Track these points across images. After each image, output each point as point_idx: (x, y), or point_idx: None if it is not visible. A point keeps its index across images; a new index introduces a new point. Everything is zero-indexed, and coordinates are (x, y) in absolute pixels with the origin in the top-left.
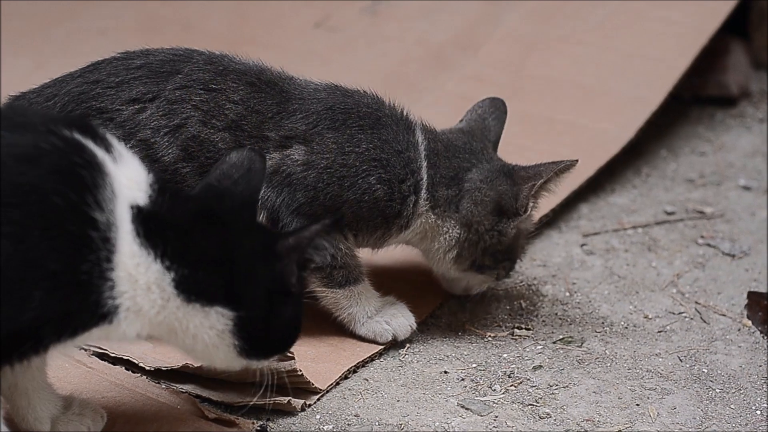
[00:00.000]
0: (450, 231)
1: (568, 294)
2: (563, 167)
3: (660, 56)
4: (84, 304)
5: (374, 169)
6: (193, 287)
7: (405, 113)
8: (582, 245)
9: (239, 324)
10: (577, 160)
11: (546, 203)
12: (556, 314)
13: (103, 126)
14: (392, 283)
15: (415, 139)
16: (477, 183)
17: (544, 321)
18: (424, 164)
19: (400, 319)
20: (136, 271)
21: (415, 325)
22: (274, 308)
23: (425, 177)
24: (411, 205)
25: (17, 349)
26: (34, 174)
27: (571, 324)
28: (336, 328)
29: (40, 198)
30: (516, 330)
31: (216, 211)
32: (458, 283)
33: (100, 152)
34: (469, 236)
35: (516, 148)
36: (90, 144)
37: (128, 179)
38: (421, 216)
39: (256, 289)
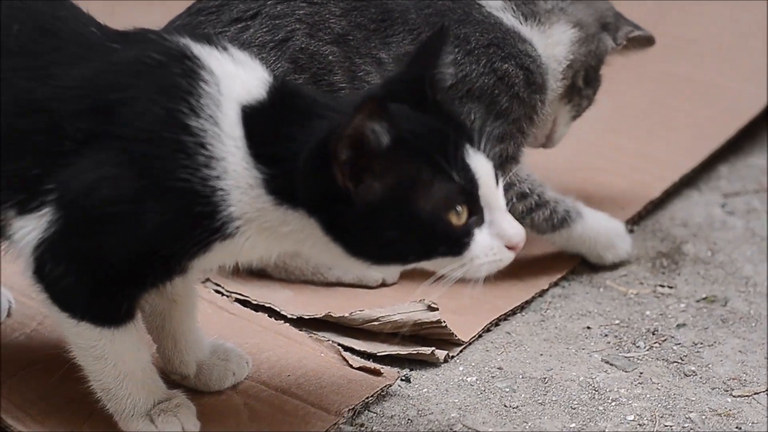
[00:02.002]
0: (563, 35)
1: (710, 254)
2: (646, 35)
3: None
4: (191, 213)
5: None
6: (281, 189)
7: None
8: (722, 206)
9: (325, 227)
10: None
11: (686, 162)
12: (699, 273)
13: None
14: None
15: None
16: None
17: (686, 280)
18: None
19: None
20: (243, 177)
21: None
22: (346, 211)
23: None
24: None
25: (143, 272)
26: (135, 86)
27: (713, 283)
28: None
29: (142, 108)
30: (658, 288)
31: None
32: (545, 123)
33: (208, 60)
34: (580, 36)
35: (657, 107)
36: (197, 52)
37: (243, 83)
38: (539, 46)
39: (318, 193)
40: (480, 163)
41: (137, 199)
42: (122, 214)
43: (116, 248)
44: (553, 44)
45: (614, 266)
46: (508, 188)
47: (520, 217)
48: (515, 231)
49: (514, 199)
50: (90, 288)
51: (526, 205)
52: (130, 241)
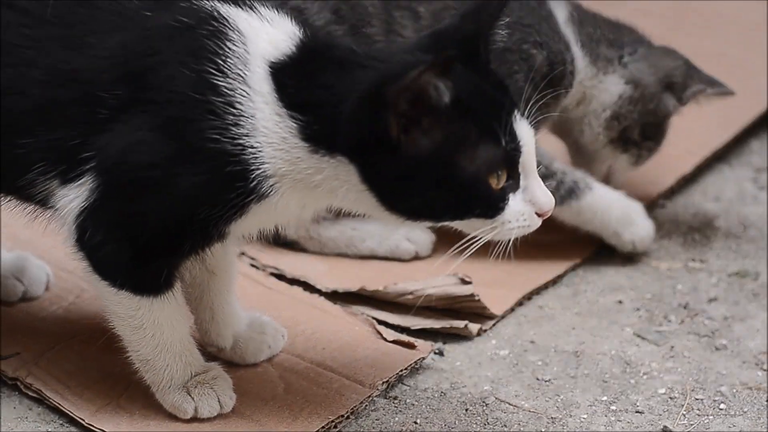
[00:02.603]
0: (612, 86)
1: (741, 228)
2: (723, 91)
3: None
4: (223, 174)
5: (529, 36)
6: (317, 135)
7: None
8: (753, 180)
9: (363, 174)
10: (733, 93)
11: (717, 137)
12: (730, 248)
13: None
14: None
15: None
16: (650, 48)
17: (717, 254)
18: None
19: None
20: (274, 131)
21: None
22: (388, 160)
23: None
24: (569, 63)
25: (181, 238)
26: (165, 50)
27: (745, 258)
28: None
29: (171, 72)
30: (690, 262)
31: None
32: (599, 165)
33: (235, 20)
34: (632, 95)
35: None
36: (225, 13)
37: (270, 39)
38: (581, 72)
39: (363, 139)
40: (524, 130)
41: (171, 162)
42: (157, 178)
43: (153, 213)
44: (601, 89)
45: (636, 252)
46: None
47: None
48: (547, 199)
49: None
50: (129, 255)
51: None
52: (166, 205)
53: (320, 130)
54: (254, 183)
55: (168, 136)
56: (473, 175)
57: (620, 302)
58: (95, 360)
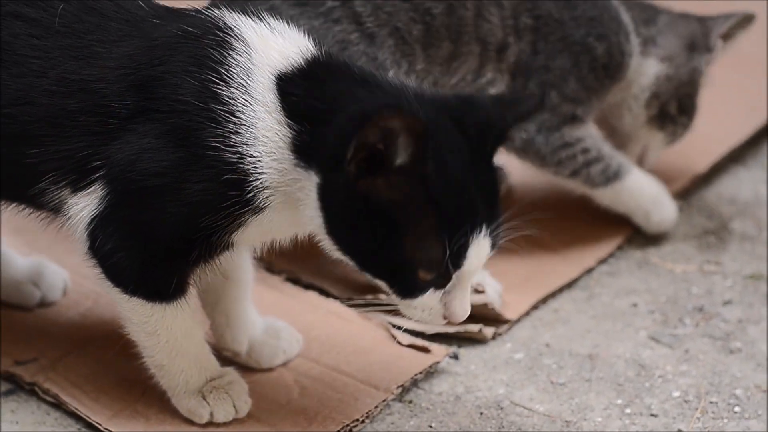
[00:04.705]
0: (649, 69)
1: (757, 230)
2: (741, 18)
3: None
4: (221, 182)
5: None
6: (301, 146)
7: None
8: None
9: (321, 190)
10: (752, 14)
11: (733, 137)
12: (745, 250)
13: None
14: (576, 218)
15: None
16: (671, 18)
17: (732, 256)
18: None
19: None
20: (273, 140)
21: None
22: (343, 185)
23: (628, 19)
24: (627, 54)
25: (188, 246)
26: (171, 60)
27: (760, 260)
28: (523, 258)
29: (177, 81)
30: (705, 265)
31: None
32: (634, 146)
33: (242, 30)
34: (667, 72)
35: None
36: (231, 23)
37: (280, 51)
38: (634, 61)
39: (334, 156)
40: (479, 252)
41: (175, 171)
42: (162, 187)
43: (160, 221)
44: (640, 73)
45: (659, 236)
46: (574, 143)
47: (579, 170)
48: (461, 312)
49: (578, 154)
50: (139, 262)
51: (586, 159)
52: (172, 213)
53: (307, 142)
54: (251, 194)
55: (173, 144)
56: (406, 258)
57: (635, 305)
58: (112, 365)
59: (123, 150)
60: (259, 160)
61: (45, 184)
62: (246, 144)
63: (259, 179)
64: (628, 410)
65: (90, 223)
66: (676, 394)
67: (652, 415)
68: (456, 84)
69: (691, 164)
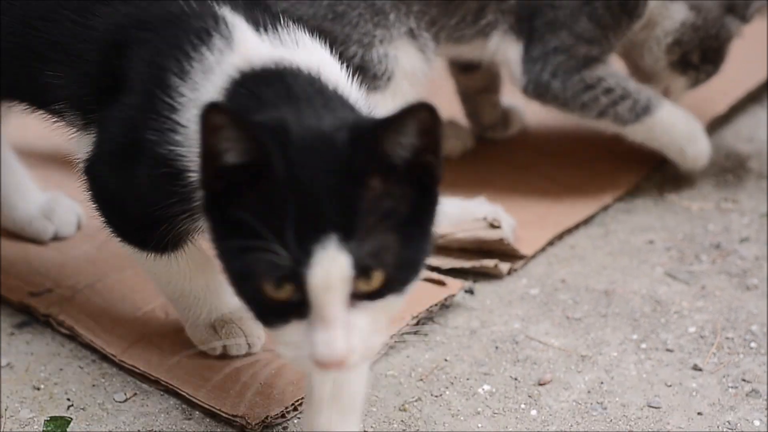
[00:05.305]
0: (676, 14)
1: None
2: None
3: None
4: (160, 175)
5: None
6: None
7: None
8: None
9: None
10: None
11: (752, 78)
12: (762, 188)
13: None
14: (593, 156)
15: None
16: None
17: (750, 194)
18: None
19: None
20: None
21: None
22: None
23: None
24: None
25: (153, 228)
26: (152, 38)
27: None
28: (539, 196)
29: (144, 64)
30: (722, 203)
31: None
32: (656, 86)
33: (231, 27)
34: (694, 21)
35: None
36: (225, 16)
37: (248, 57)
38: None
39: None
40: (329, 263)
41: (124, 152)
42: (115, 167)
43: (121, 199)
44: (665, 16)
45: (695, 169)
46: (595, 85)
47: (605, 111)
48: (325, 353)
49: (600, 95)
50: (118, 225)
51: (611, 99)
52: (128, 195)
53: None
54: (188, 189)
55: (128, 126)
56: (250, 269)
57: (651, 242)
58: (126, 297)
59: (110, 112)
60: (191, 161)
61: (62, 108)
62: (181, 144)
63: (193, 178)
64: (643, 345)
65: (86, 162)
66: (692, 329)
67: (667, 350)
68: (456, 25)
69: (710, 105)
